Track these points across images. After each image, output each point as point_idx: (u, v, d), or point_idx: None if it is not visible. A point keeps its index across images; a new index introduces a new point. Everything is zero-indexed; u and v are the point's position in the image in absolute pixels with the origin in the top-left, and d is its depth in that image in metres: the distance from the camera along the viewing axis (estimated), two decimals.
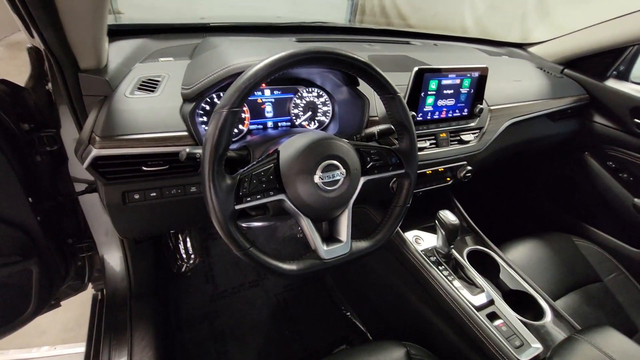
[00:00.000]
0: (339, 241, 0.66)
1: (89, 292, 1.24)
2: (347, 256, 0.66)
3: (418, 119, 0.93)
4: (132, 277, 1.10)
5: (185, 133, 0.68)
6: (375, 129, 0.78)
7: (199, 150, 0.59)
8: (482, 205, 1.35)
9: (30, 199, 0.83)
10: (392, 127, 0.78)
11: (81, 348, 1.18)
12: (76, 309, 1.40)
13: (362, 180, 0.67)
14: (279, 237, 1.60)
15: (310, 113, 0.96)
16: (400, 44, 1.32)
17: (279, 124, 0.94)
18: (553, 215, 1.66)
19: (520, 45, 1.59)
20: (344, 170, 0.62)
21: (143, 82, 0.73)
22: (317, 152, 0.61)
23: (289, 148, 0.62)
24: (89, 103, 0.69)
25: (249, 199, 0.56)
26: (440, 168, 1.02)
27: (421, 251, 0.97)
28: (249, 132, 0.90)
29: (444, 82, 0.92)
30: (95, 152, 0.62)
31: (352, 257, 0.67)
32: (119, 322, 1.06)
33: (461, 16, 2.30)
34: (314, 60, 0.59)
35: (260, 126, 0.92)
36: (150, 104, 0.69)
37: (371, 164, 0.68)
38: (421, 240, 1.01)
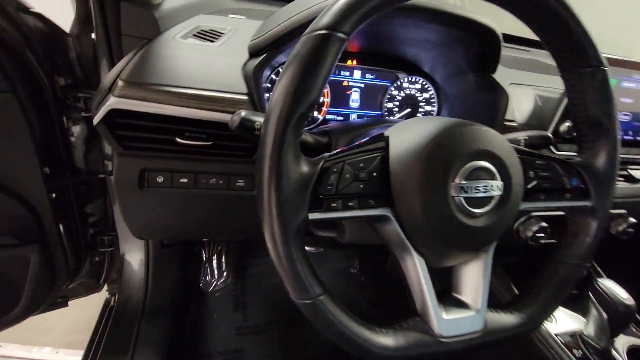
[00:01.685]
0: (465, 307, 0.38)
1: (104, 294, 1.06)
2: (479, 337, 0.37)
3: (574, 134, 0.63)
4: (150, 288, 0.89)
5: (245, 97, 0.46)
6: (520, 136, 0.50)
7: (260, 119, 0.36)
8: (625, 272, 0.95)
9: (47, 170, 0.66)
10: (550, 136, 0.50)
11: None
12: (92, 309, 1.23)
13: (521, 207, 0.38)
14: (329, 268, 1.31)
15: (408, 110, 0.71)
16: (520, 51, 1.03)
17: (365, 118, 0.70)
18: None
19: None
20: (500, 183, 0.35)
21: (202, 30, 0.54)
22: (458, 143, 0.34)
23: (406, 132, 0.36)
24: (129, 49, 0.51)
25: (334, 204, 0.31)
26: None
27: (557, 336, 0.63)
28: (324, 122, 0.67)
29: (625, 84, 0.61)
30: (112, 101, 0.41)
31: (487, 340, 0.37)
32: (123, 341, 0.84)
33: None
34: None
35: (341, 117, 0.68)
36: (205, 53, 0.49)
37: (535, 182, 0.40)
38: (553, 319, 0.67)
